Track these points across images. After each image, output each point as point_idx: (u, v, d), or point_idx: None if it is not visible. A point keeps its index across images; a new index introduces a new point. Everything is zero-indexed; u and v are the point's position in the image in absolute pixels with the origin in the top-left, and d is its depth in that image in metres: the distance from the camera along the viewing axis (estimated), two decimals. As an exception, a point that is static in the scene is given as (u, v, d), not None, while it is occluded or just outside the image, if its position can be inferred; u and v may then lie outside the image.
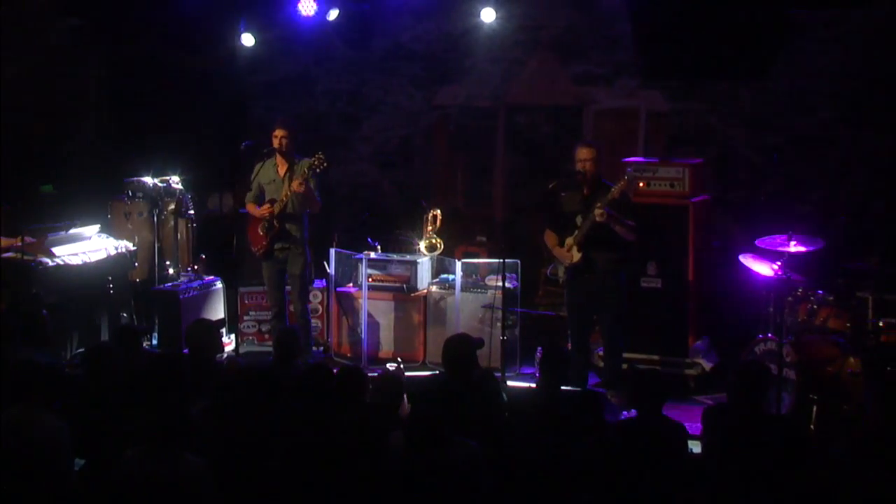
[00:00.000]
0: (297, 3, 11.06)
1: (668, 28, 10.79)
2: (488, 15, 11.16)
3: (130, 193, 10.99)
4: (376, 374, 7.87)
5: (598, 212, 8.43)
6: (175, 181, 11.06)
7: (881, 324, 8.59)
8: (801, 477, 5.97)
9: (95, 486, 6.03)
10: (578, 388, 7.97)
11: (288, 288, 9.91)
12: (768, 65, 10.93)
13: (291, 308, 9.97)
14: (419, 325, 10.41)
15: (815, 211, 11.33)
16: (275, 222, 9.60)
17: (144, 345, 9.88)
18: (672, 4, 10.81)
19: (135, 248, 10.71)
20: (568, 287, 8.99)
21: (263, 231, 9.67)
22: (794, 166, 11.45)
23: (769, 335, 8.85)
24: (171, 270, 10.84)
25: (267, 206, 9.61)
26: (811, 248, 9.03)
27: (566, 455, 6.16)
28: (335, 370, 6.84)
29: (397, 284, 10.48)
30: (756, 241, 9.30)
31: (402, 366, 8.97)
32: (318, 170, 9.47)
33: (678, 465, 5.95)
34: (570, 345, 9.06)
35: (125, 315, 10.38)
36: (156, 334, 10.45)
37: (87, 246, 10.20)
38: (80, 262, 9.95)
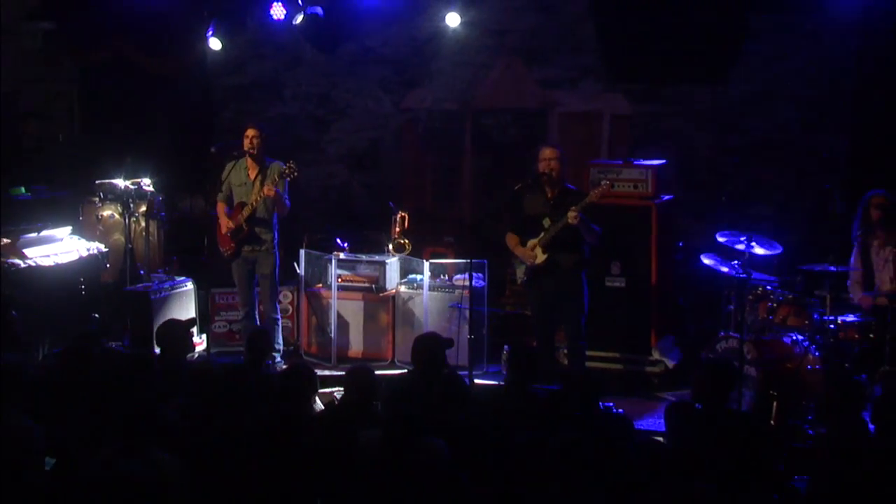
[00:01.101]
0: (266, 8, 11.02)
1: (631, 33, 10.83)
2: (453, 20, 11.17)
3: (102, 195, 10.93)
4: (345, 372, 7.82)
5: (571, 214, 8.42)
6: (146, 183, 11.01)
7: (838, 321, 8.66)
8: (762, 470, 6.00)
9: (67, 486, 5.97)
10: (546, 386, 7.97)
11: (258, 289, 9.87)
12: (728, 68, 10.99)
13: (262, 308, 9.93)
14: (388, 325, 10.40)
15: (776, 212, 11.40)
16: (244, 225, 9.55)
17: (115, 345, 9.84)
18: (635, 10, 10.85)
19: (106, 249, 10.64)
20: (531, 287, 8.99)
21: (231, 233, 9.62)
22: (755, 168, 11.52)
23: (730, 333, 8.89)
24: (142, 271, 10.77)
25: (238, 213, 9.56)
26: (770, 250, 9.10)
27: (535, 451, 6.15)
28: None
29: (366, 285, 10.47)
30: (717, 235, 9.35)
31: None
32: (289, 178, 9.45)
33: (633, 457, 5.94)
34: (536, 343, 9.07)
35: (97, 316, 10.30)
36: (127, 334, 10.37)
37: (59, 247, 10.13)
38: (51, 264, 9.88)
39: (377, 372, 6.93)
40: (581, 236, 8.57)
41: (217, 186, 9.82)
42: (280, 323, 10.05)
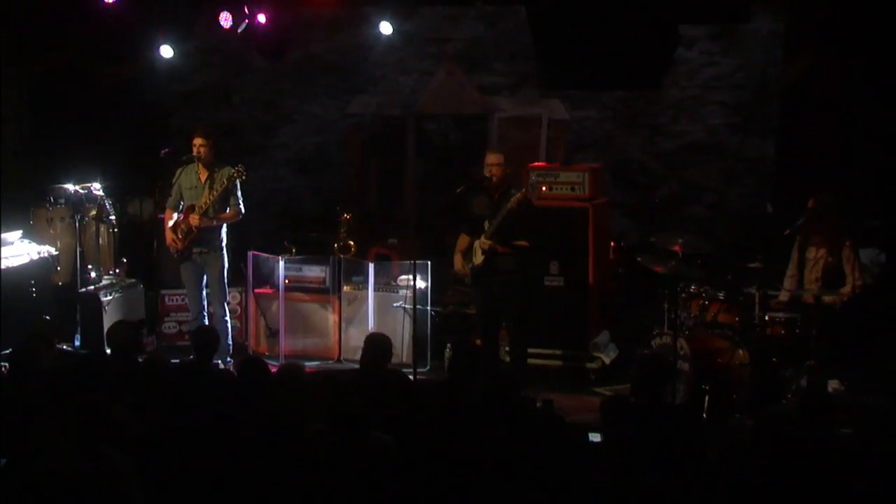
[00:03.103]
0: (214, 16, 10.91)
1: (568, 41, 10.87)
2: (386, 28, 11.13)
3: (52, 199, 10.78)
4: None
5: (485, 242, 8.54)
6: (96, 187, 10.87)
7: (766, 318, 8.76)
8: (695, 461, 6.05)
9: (18, 486, 5.88)
10: (488, 383, 7.96)
11: (207, 290, 9.80)
12: (661, 75, 11.08)
13: (211, 309, 9.85)
14: (334, 324, 10.35)
15: (708, 212, 11.52)
16: (193, 228, 9.48)
17: (66, 346, 9.72)
18: (571, 19, 10.89)
19: (57, 252, 10.51)
20: (474, 287, 9.01)
21: (182, 235, 9.55)
22: (687, 170, 11.62)
23: (665, 330, 8.95)
24: (93, 274, 10.64)
25: (188, 215, 9.49)
26: (701, 249, 9.19)
27: (477, 447, 6.16)
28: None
29: (312, 285, 10.42)
30: (651, 235, 9.42)
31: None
32: (237, 180, 9.39)
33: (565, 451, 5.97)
34: (479, 341, 9.07)
35: (48, 318, 10.16)
36: (78, 335, 10.25)
37: (10, 251, 9.97)
38: (2, 267, 9.72)
39: (324, 369, 6.90)
40: (518, 237, 8.58)
41: (166, 192, 9.72)
42: (229, 323, 9.97)
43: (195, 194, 9.52)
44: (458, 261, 8.93)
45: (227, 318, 9.89)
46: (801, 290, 8.75)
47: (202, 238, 9.51)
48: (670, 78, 11.33)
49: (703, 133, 11.60)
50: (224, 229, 9.63)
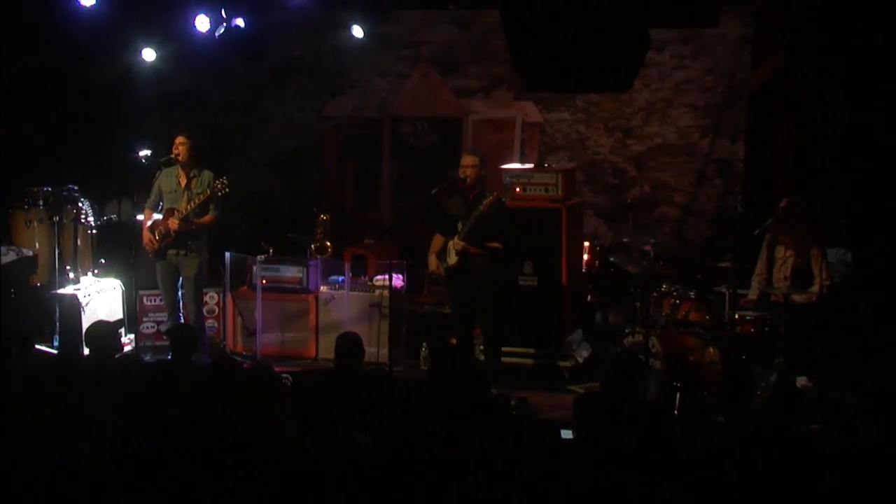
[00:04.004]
0: (191, 19, 10.85)
1: (541, 44, 10.86)
2: (357, 31, 11.09)
3: (30, 201, 10.70)
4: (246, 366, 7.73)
5: (458, 244, 8.54)
6: (74, 189, 10.81)
7: (736, 316, 8.80)
8: (667, 456, 6.06)
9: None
10: (465, 381, 7.96)
11: (183, 291, 9.77)
12: (632, 78, 11.09)
13: (186, 311, 9.82)
14: (311, 324, 10.33)
15: (679, 213, 11.56)
16: (172, 232, 9.45)
17: (44, 347, 9.66)
18: (545, 23, 10.89)
19: (35, 254, 10.44)
20: (449, 287, 9.01)
21: (159, 236, 9.51)
22: (658, 172, 11.66)
23: (637, 328, 8.98)
24: (71, 275, 10.58)
25: (167, 218, 9.45)
26: (671, 250, 9.23)
27: (454, 444, 6.15)
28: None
29: (289, 286, 10.39)
30: (623, 240, 9.45)
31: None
32: (219, 193, 9.37)
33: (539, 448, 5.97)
34: (454, 340, 9.07)
35: (27, 319, 10.09)
36: (57, 336, 10.19)
37: (-13, 252, 9.92)
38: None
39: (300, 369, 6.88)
40: (492, 238, 8.59)
41: (144, 194, 9.68)
42: (206, 324, 9.94)
43: (174, 198, 9.49)
44: (432, 261, 8.94)
45: (203, 318, 9.87)
46: (771, 289, 8.79)
47: (179, 240, 9.49)
48: (641, 81, 11.37)
49: (673, 135, 11.65)
50: (202, 232, 9.60)
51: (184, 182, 9.47)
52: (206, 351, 9.80)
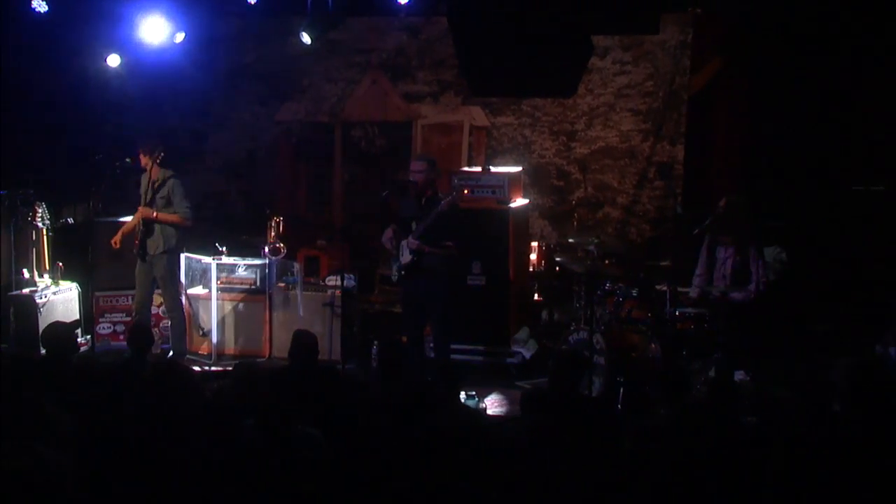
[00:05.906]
0: (146, 26, 10.74)
1: (487, 51, 10.91)
2: (305, 38, 11.05)
3: (-14, 204, 10.58)
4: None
5: (412, 243, 8.59)
6: (31, 192, 10.69)
7: (677, 313, 8.89)
8: (610, 450, 6.11)
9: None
10: (414, 379, 7.99)
11: (159, 290, 9.99)
12: (576, 83, 11.18)
13: (161, 309, 10.08)
14: (265, 323, 10.32)
15: (622, 214, 11.64)
16: (136, 232, 9.74)
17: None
18: (491, 30, 10.93)
19: (-9, 256, 10.33)
20: (402, 285, 9.03)
21: (138, 234, 9.73)
22: (601, 174, 11.74)
23: (581, 326, 9.04)
24: (27, 276, 10.47)
25: (136, 218, 9.74)
26: (614, 250, 9.31)
27: (404, 441, 6.16)
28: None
29: (244, 286, 10.38)
30: (569, 240, 9.50)
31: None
32: (170, 179, 9.75)
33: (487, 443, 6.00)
34: (405, 338, 9.08)
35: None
36: (12, 337, 10.08)
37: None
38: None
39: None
40: (446, 238, 8.62)
41: (99, 198, 9.98)
42: (181, 322, 10.00)
43: (144, 200, 9.80)
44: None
45: (183, 315, 10.07)
46: (710, 287, 8.88)
47: (147, 242, 9.72)
48: (585, 86, 11.43)
49: (616, 138, 11.72)
50: (171, 234, 9.75)
51: (149, 185, 9.82)
52: (181, 351, 9.94)
